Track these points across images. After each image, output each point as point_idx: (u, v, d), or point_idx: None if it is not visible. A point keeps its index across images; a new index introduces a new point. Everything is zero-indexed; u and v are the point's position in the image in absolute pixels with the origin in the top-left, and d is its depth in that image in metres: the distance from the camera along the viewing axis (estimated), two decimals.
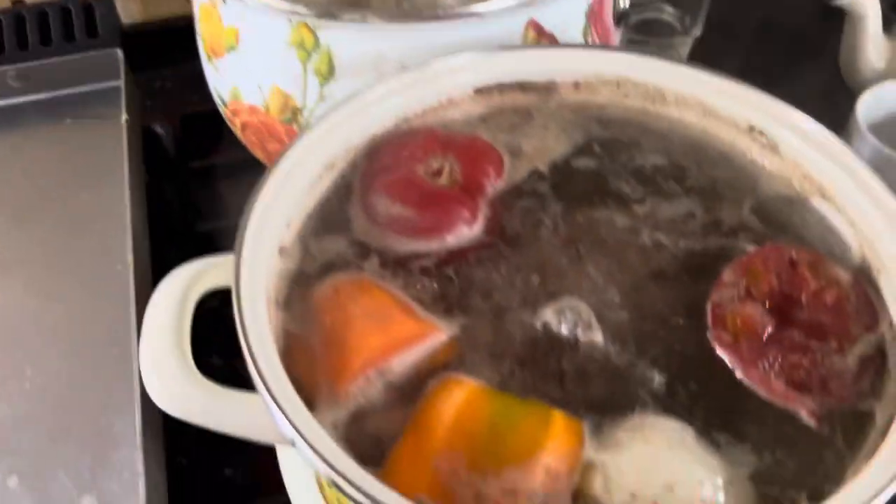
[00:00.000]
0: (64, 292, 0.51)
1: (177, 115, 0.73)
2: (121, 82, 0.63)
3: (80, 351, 0.48)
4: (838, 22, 0.75)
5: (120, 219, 0.55)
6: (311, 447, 0.28)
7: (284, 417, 0.29)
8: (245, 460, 0.51)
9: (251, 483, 0.50)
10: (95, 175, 0.59)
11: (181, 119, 0.72)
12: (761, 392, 0.33)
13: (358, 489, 0.27)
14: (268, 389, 0.30)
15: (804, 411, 0.32)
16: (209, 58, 0.54)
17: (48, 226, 0.56)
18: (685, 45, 0.86)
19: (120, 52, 0.65)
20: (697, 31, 0.86)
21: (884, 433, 0.30)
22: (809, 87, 0.81)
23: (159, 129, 0.70)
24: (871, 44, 0.70)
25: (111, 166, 0.59)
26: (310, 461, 0.28)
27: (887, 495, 0.26)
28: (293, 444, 0.29)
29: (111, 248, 0.53)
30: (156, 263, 0.56)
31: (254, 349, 0.31)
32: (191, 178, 0.68)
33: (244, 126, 0.54)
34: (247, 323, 0.31)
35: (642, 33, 0.86)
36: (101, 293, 0.51)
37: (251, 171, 0.66)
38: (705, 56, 0.86)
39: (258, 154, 0.56)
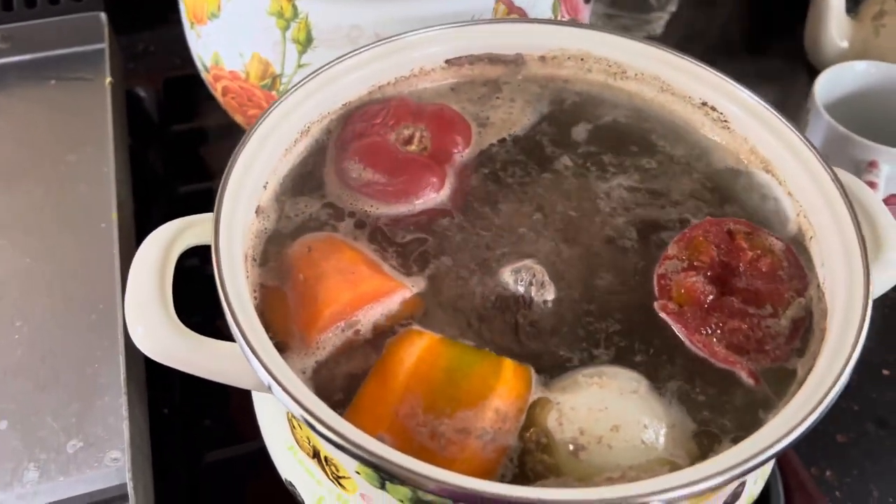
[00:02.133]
0: (50, 249, 0.53)
1: (159, 79, 0.74)
2: (105, 45, 0.64)
3: (67, 304, 0.50)
4: (806, 2, 0.77)
5: (104, 179, 0.56)
6: (286, 391, 0.31)
7: (260, 364, 0.31)
8: (223, 412, 0.54)
9: (228, 432, 0.52)
10: (80, 136, 0.60)
11: (164, 83, 0.73)
12: (705, 355, 0.36)
13: (328, 428, 0.29)
14: (244, 338, 0.32)
15: (744, 373, 0.35)
16: (192, 24, 0.56)
17: (33, 185, 0.57)
18: (660, 21, 0.88)
19: (104, 15, 0.66)
20: (672, 7, 0.88)
21: (802, 384, 0.33)
22: (776, 65, 0.84)
23: (142, 93, 0.72)
24: (835, 24, 0.72)
25: (95, 128, 0.60)
26: (284, 403, 0.31)
27: (795, 437, 0.29)
28: (269, 388, 0.31)
29: (96, 207, 0.55)
30: (139, 223, 0.58)
31: (231, 302, 0.33)
32: (172, 141, 0.69)
33: (225, 91, 0.56)
34: (225, 277, 0.34)
35: (619, 8, 0.88)
36: (87, 250, 0.53)
37: (231, 135, 0.68)
38: (679, 32, 0.89)
39: (238, 119, 0.58)
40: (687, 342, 0.36)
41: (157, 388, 0.50)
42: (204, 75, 0.58)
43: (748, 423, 0.34)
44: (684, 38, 0.89)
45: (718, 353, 0.35)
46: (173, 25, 0.60)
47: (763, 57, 0.85)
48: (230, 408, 0.54)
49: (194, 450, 0.49)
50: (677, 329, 0.36)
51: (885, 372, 0.59)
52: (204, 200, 0.60)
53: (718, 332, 0.36)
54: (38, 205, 0.56)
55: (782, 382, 0.35)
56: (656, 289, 0.38)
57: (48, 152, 0.59)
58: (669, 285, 0.38)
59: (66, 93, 0.64)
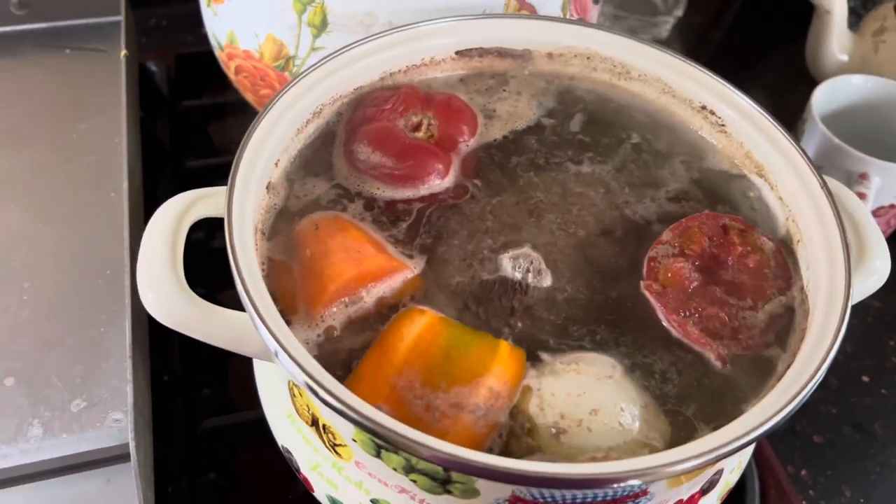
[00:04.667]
0: (61, 215, 0.54)
1: (170, 54, 0.75)
2: (121, 17, 0.65)
3: (76, 268, 0.51)
4: (810, 14, 0.79)
5: (115, 149, 0.57)
6: (291, 357, 0.32)
7: (267, 331, 0.32)
8: (223, 381, 0.55)
9: (228, 401, 0.54)
10: (92, 106, 0.61)
11: (175, 58, 0.74)
12: (678, 334, 0.37)
13: (330, 393, 0.31)
14: (254, 306, 0.33)
15: (713, 355, 0.37)
16: (208, 2, 0.57)
17: (45, 152, 0.58)
18: (666, 24, 0.90)
19: None
20: (679, 12, 0.89)
21: (781, 379, 0.35)
22: (777, 74, 0.86)
23: (153, 67, 0.73)
24: (836, 37, 0.74)
25: (108, 99, 0.61)
26: (288, 369, 0.32)
27: (770, 426, 0.31)
28: (276, 355, 0.33)
29: (106, 176, 0.56)
30: (145, 195, 0.59)
31: (242, 271, 0.34)
32: (181, 116, 0.70)
33: (238, 70, 0.57)
34: (236, 247, 0.35)
35: (626, 10, 0.90)
36: (96, 217, 0.54)
37: (239, 113, 0.69)
38: (684, 36, 0.90)
39: (249, 97, 0.59)
40: (663, 320, 0.38)
41: (159, 356, 0.52)
42: (217, 53, 0.59)
43: (722, 411, 0.35)
44: (689, 43, 0.91)
45: (691, 334, 0.37)
46: (186, 2, 0.61)
47: (764, 66, 0.87)
48: (228, 379, 0.55)
49: (192, 416, 0.51)
50: (657, 307, 0.38)
51: (865, 378, 0.61)
52: (210, 175, 0.62)
53: (696, 315, 0.38)
54: (49, 170, 0.57)
55: (763, 376, 0.37)
56: (645, 270, 0.40)
57: (61, 119, 0.60)
58: (657, 267, 0.39)
59: (81, 63, 0.65)
